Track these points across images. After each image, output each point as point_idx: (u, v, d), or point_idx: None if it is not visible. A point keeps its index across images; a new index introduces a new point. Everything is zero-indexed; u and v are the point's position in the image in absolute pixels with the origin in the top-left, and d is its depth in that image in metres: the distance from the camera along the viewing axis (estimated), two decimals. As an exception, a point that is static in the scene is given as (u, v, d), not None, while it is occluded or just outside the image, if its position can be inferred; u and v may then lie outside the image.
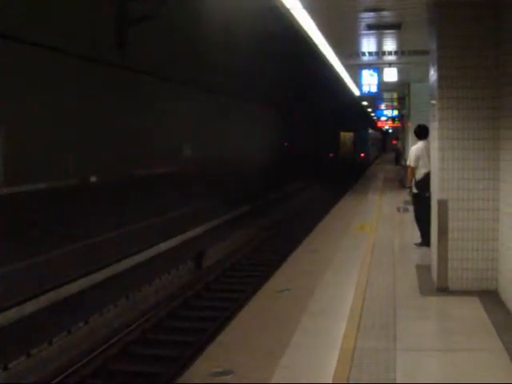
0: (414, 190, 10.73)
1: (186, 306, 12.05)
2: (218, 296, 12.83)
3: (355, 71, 16.04)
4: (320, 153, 48.84)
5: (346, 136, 57.71)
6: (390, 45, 12.01)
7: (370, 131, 61.79)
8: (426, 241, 10.11)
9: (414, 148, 10.76)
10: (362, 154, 56.91)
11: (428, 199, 9.05)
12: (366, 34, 10.64)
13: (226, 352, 6.01)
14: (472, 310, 7.04)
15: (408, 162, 10.90)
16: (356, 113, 50.75)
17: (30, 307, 10.20)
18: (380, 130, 64.13)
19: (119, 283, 12.65)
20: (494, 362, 5.54)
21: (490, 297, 7.39)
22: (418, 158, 10.46)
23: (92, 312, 10.87)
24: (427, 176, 9.69)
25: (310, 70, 30.67)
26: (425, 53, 11.08)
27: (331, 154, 53.50)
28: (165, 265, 14.45)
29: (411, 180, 10.82)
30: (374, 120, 48.98)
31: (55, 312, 10.58)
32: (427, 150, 9.96)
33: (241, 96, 27.62)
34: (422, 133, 10.70)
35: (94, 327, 10.62)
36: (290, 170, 36.86)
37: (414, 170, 10.56)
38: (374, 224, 13.63)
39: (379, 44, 11.92)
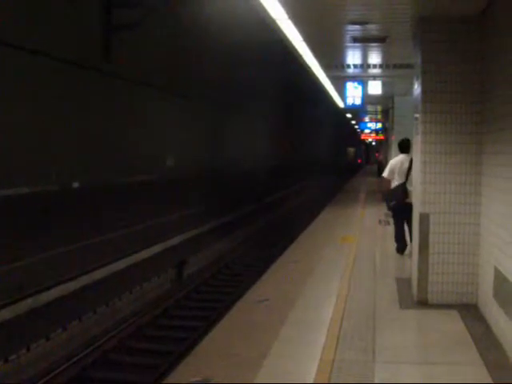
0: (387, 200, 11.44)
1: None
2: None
3: (340, 83, 16.09)
4: (335, 160, 78.56)
5: (351, 150, 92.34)
6: (374, 58, 12.07)
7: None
8: (399, 246, 11.29)
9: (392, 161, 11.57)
10: (359, 160, 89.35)
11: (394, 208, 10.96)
12: (351, 47, 10.68)
13: (205, 361, 5.98)
14: (451, 323, 7.04)
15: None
16: (354, 134, 70.45)
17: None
18: (364, 142, 78.67)
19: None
20: (472, 376, 5.53)
21: (469, 311, 7.41)
22: (392, 172, 11.08)
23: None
24: (396, 187, 10.80)
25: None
26: (409, 66, 11.17)
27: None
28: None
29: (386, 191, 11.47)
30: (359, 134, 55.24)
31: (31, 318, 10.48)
32: (401, 163, 10.84)
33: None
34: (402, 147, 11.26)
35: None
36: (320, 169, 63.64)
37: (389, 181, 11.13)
38: (356, 236, 13.64)
39: (364, 57, 11.98)
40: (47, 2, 13.38)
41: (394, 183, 10.97)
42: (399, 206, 10.82)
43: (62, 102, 14.08)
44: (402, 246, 11.17)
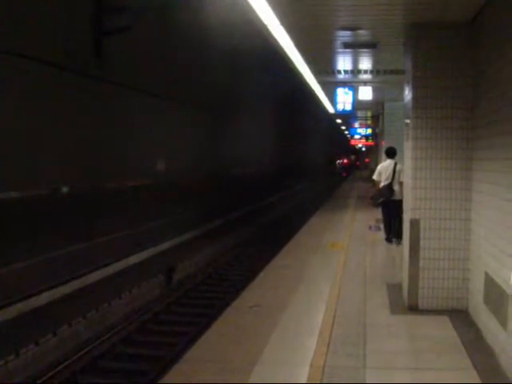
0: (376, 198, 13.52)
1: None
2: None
3: (330, 89, 16.10)
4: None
5: (352, 156, 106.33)
6: (365, 63, 12.09)
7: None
8: (388, 236, 13.33)
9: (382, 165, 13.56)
10: (358, 163, 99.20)
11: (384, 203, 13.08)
12: (342, 52, 10.68)
13: (195, 368, 5.95)
14: (442, 329, 7.05)
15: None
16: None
17: None
18: (354, 148, 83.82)
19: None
20: (463, 381, 5.53)
21: (460, 316, 7.42)
22: (379, 174, 13.18)
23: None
24: (384, 187, 12.95)
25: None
26: (400, 72, 11.19)
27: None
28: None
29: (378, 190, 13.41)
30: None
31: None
32: (387, 167, 13.01)
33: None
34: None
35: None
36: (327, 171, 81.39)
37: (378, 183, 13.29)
38: (346, 241, 13.65)
39: (355, 62, 11.98)
40: (36, 6, 13.32)
41: (381, 184, 13.08)
42: (386, 203, 12.98)
43: (51, 107, 14.00)
44: (388, 235, 13.34)
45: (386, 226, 13.50)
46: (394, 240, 13.01)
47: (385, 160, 13.63)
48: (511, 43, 5.66)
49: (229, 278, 15.62)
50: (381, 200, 13.18)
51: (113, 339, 10.49)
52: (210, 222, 23.53)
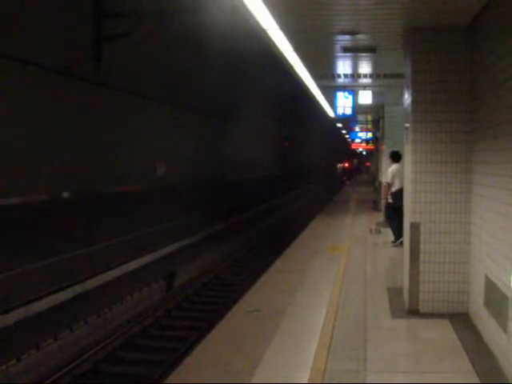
0: (390, 200, 13.47)
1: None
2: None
3: (330, 93, 16.10)
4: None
5: (354, 160, 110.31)
6: (365, 67, 12.09)
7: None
8: (396, 237, 13.05)
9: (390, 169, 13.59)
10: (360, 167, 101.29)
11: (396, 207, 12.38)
12: (342, 57, 10.70)
13: (197, 371, 5.95)
14: (443, 332, 7.05)
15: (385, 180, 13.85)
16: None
17: None
18: (355, 152, 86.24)
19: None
20: (464, 384, 5.54)
21: (460, 319, 7.42)
22: (394, 177, 13.23)
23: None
24: (399, 190, 12.46)
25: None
26: (399, 76, 11.21)
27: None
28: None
29: (387, 193, 13.67)
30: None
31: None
32: (398, 170, 13.00)
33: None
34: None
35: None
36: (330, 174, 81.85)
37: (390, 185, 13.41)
38: (347, 245, 13.65)
39: (354, 66, 12.00)
40: (37, 12, 13.38)
41: (394, 188, 13.13)
42: (400, 207, 12.47)
43: (51, 112, 14.06)
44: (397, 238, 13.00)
45: (395, 230, 13.23)
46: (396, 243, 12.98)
47: (388, 164, 13.89)
48: (507, 46, 5.68)
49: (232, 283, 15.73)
50: (399, 204, 12.42)
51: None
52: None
